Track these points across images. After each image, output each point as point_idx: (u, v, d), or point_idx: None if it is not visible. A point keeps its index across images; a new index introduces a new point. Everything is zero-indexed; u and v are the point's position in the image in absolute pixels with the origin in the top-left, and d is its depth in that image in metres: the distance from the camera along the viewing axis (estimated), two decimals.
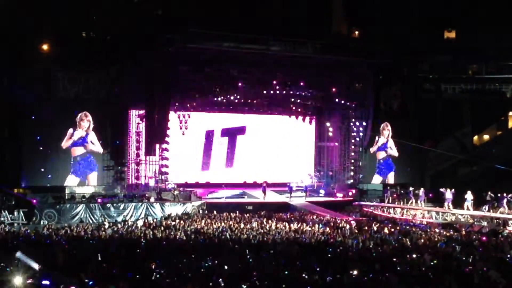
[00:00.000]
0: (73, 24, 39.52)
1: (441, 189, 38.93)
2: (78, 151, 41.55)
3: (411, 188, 41.82)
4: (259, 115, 52.43)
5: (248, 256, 21.52)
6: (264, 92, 46.79)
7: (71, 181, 41.25)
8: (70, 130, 41.08)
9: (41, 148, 40.19)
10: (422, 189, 40.85)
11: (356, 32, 53.34)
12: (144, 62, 41.11)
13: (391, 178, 50.29)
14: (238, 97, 47.49)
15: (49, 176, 40.48)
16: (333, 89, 46.99)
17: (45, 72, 39.59)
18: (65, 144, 40.96)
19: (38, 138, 40.01)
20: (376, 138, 49.69)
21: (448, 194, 38.22)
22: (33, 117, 39.76)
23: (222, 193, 46.08)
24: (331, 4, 51.97)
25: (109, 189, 41.78)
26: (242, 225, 32.38)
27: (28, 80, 39.08)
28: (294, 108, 51.34)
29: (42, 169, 40.30)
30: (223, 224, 32.99)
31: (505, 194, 35.82)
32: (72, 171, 41.34)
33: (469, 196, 37.11)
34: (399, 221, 38.02)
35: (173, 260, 20.30)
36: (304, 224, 33.53)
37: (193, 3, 43.50)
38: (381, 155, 50.24)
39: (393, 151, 50.45)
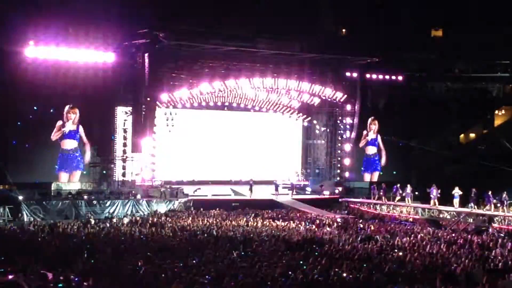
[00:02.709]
0: (60, 19, 39.30)
1: (427, 188, 39.01)
2: (68, 144, 41.45)
3: (398, 185, 41.87)
4: (246, 112, 52.48)
5: (234, 254, 21.51)
6: (252, 89, 46.82)
7: (62, 178, 41.19)
8: (59, 122, 41.04)
9: (27, 145, 40.07)
10: (408, 186, 40.92)
11: (343, 30, 53.43)
12: (131, 59, 41.04)
13: (375, 176, 50.33)
14: (226, 94, 47.49)
15: (37, 181, 40.22)
16: (320, 87, 47.02)
17: (31, 68, 39.31)
18: (54, 136, 40.87)
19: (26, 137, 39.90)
20: (364, 133, 49.86)
21: (434, 191, 38.32)
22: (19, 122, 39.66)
23: (209, 190, 45.96)
24: (318, 2, 51.98)
25: (95, 186, 41.65)
26: (228, 223, 32.37)
27: (15, 75, 38.83)
28: (281, 105, 51.37)
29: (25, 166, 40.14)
30: (209, 221, 32.97)
31: (490, 192, 35.93)
32: (60, 167, 41.16)
33: (457, 192, 37.21)
34: (385, 218, 38.13)
35: (159, 257, 20.27)
36: (291, 222, 33.57)
37: (180, 1, 43.44)
38: (371, 150, 50.35)
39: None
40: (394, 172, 50.56)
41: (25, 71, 38.75)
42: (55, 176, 41.27)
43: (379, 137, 50.42)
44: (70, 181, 41.62)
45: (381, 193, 42.18)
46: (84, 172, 42.19)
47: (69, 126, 41.39)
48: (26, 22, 38.22)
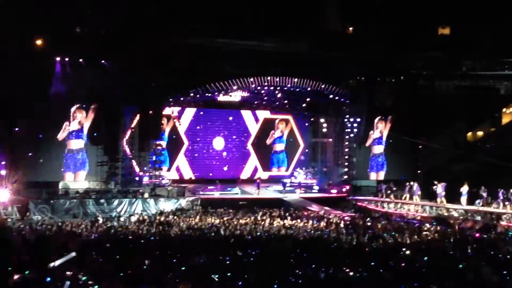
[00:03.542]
0: (67, 19, 39.35)
1: (434, 181, 39.07)
2: (74, 144, 41.57)
3: (406, 183, 41.76)
4: (253, 110, 52.57)
5: (242, 253, 21.50)
6: (258, 87, 46.83)
7: (68, 178, 41.37)
8: (67, 123, 41.20)
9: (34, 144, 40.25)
10: (416, 184, 40.88)
11: (350, 28, 53.32)
12: (138, 57, 41.06)
13: (381, 175, 50.22)
14: (232, 93, 47.51)
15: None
16: (327, 86, 46.96)
17: (39, 67, 39.40)
18: (61, 135, 41.07)
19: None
20: (370, 132, 49.75)
21: (440, 188, 38.30)
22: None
23: (216, 189, 46.06)
24: (324, 0, 51.93)
25: (103, 185, 41.72)
26: (235, 221, 32.36)
27: (22, 76, 38.90)
28: (288, 104, 51.40)
29: (41, 160, 40.34)
30: (217, 220, 32.98)
31: (499, 190, 35.92)
32: (66, 167, 41.34)
33: (465, 189, 37.19)
34: (393, 216, 38.09)
35: (167, 256, 20.27)
36: (298, 220, 33.55)
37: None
38: (377, 149, 50.25)
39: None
40: (402, 171, 50.38)
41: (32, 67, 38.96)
42: (62, 176, 41.45)
43: (385, 135, 50.27)
44: (75, 181, 41.76)
45: (389, 191, 42.24)
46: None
47: (75, 126, 41.49)
48: (34, 19, 38.34)
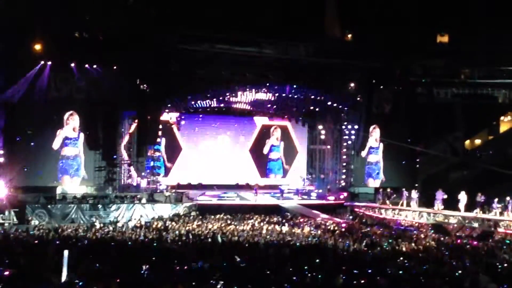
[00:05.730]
0: (66, 24, 39.36)
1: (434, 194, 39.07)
2: (67, 151, 41.35)
3: (403, 190, 41.72)
4: (252, 117, 52.53)
5: (239, 259, 21.46)
6: (257, 94, 46.82)
7: (65, 182, 41.22)
8: (60, 130, 40.96)
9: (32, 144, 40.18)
10: (414, 191, 40.84)
11: (349, 35, 53.36)
12: (137, 63, 41.03)
13: (377, 183, 50.10)
14: (230, 99, 47.49)
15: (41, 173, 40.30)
16: (326, 92, 46.94)
17: (37, 72, 39.40)
18: (55, 143, 40.85)
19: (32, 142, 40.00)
20: (368, 141, 49.71)
21: (438, 195, 38.28)
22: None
23: (214, 195, 46.00)
24: (324, 7, 51.98)
25: (100, 190, 41.63)
26: (233, 227, 32.32)
27: (20, 80, 38.93)
28: (286, 110, 51.38)
29: (25, 169, 40.05)
30: (214, 226, 32.93)
31: (493, 199, 35.98)
32: (61, 173, 41.17)
33: (462, 196, 37.18)
34: (390, 223, 38.03)
35: (164, 262, 20.23)
36: (296, 227, 33.52)
37: (186, 4, 43.49)
38: (373, 158, 50.12)
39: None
40: (400, 178, 50.33)
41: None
42: (58, 181, 41.26)
43: (381, 145, 50.14)
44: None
45: (386, 199, 42.20)
46: (86, 178, 42.03)
47: (68, 132, 41.29)
48: (33, 23, 38.38)
